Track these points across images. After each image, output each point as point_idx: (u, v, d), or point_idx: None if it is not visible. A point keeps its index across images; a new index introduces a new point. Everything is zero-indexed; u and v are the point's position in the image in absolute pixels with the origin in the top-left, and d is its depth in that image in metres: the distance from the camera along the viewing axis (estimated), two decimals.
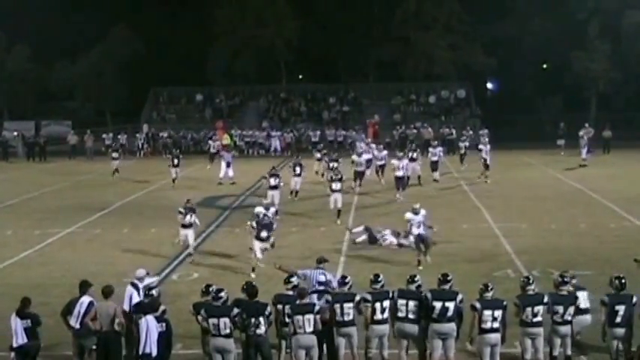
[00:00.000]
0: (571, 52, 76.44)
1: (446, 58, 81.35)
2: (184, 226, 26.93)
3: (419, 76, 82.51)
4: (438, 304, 16.28)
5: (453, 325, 16.31)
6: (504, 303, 16.14)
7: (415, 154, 45.03)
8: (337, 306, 16.66)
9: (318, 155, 46.95)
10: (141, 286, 17.90)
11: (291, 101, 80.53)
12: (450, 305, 16.26)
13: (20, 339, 16.39)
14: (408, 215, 26.17)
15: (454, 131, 63.48)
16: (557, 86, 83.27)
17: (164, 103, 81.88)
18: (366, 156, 43.64)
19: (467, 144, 52.86)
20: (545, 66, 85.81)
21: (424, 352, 16.72)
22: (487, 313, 15.88)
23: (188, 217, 26.79)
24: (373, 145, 48.28)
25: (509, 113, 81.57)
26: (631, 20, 74.91)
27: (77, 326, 16.71)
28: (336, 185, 34.08)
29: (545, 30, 78.77)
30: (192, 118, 77.99)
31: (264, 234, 24.90)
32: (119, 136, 68.50)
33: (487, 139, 45.94)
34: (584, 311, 16.89)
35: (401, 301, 16.60)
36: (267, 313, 16.20)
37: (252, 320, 16.05)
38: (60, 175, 51.88)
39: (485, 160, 44.79)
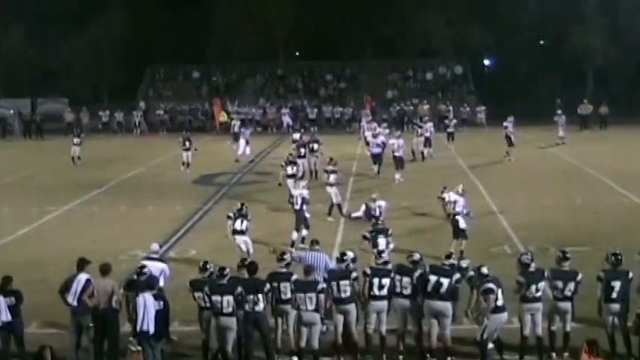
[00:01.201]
0: (568, 28, 76.31)
1: (443, 35, 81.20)
2: (237, 232, 23.54)
3: (416, 53, 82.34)
4: (433, 278, 16.38)
5: (447, 305, 16.36)
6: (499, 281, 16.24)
7: (421, 131, 45.05)
8: (334, 283, 16.72)
9: (297, 136, 44.27)
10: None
11: (288, 78, 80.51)
12: (445, 282, 16.32)
13: (4, 316, 16.38)
14: (454, 196, 24.64)
15: (451, 108, 63.49)
16: (554, 62, 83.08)
17: (161, 80, 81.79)
18: (381, 138, 41.69)
19: (455, 121, 52.61)
20: (542, 42, 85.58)
21: (419, 330, 16.74)
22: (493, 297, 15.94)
23: (238, 222, 23.50)
24: (375, 124, 48.02)
25: (506, 89, 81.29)
26: None
27: (74, 303, 16.70)
28: (332, 177, 31.21)
29: (543, 5, 78.52)
30: (189, 96, 77.80)
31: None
32: (116, 114, 68.56)
33: (512, 118, 45.72)
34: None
35: (397, 277, 16.73)
36: (265, 289, 16.27)
37: (251, 297, 16.10)
38: (56, 153, 51.70)
39: (509, 137, 45.04)
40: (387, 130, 45.20)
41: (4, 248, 26.96)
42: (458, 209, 24.29)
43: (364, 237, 21.63)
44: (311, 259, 18.19)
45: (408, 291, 16.59)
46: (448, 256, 17.18)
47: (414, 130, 47.78)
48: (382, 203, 28.98)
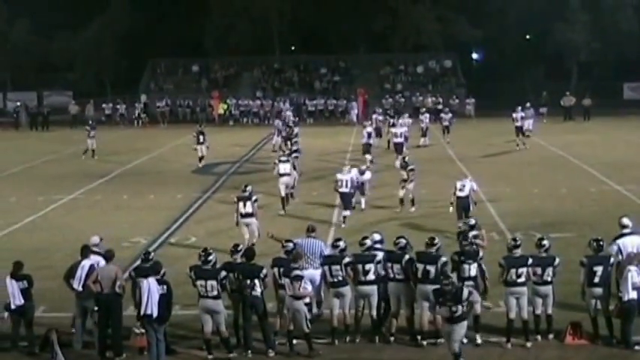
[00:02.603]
0: (553, 24, 77.35)
1: (433, 30, 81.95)
2: (243, 215, 23.79)
3: (407, 47, 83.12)
4: (420, 266, 17.06)
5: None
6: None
7: (401, 121, 45.96)
8: (326, 268, 17.49)
9: (296, 130, 44.08)
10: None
11: (284, 72, 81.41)
12: (431, 269, 16.89)
13: (18, 300, 17.01)
14: (460, 183, 26.40)
15: (441, 100, 64.84)
16: (540, 56, 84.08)
17: (162, 74, 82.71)
18: (402, 128, 43.03)
19: (450, 115, 53.19)
20: (528, 37, 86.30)
21: (411, 313, 17.37)
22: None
23: (241, 205, 23.76)
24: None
25: (493, 82, 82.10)
26: None
27: (79, 289, 17.29)
28: (284, 168, 30.43)
29: (529, 2, 79.15)
30: (188, 89, 78.75)
31: None
32: (118, 106, 69.56)
33: (520, 107, 46.90)
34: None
35: (388, 264, 17.38)
36: (262, 275, 16.89)
37: (248, 282, 16.75)
38: (62, 144, 52.59)
39: (519, 127, 46.67)
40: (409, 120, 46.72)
41: (12, 235, 27.73)
42: (467, 191, 26.08)
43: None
44: (306, 245, 18.60)
45: (400, 276, 17.20)
46: (432, 243, 17.41)
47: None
48: (367, 177, 30.13)
